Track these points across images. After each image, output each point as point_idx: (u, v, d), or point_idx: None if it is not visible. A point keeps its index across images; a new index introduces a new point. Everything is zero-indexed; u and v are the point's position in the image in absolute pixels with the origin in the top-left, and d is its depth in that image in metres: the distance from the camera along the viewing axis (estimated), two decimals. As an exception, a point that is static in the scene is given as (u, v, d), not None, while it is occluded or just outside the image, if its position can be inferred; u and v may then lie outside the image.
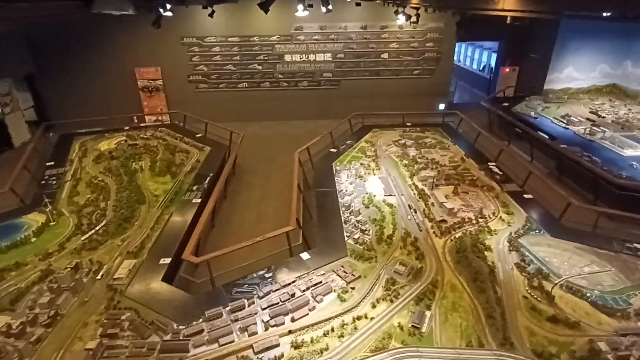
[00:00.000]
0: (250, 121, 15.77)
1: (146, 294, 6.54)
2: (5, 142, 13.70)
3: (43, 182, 10.33)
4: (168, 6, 9.00)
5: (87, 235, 7.98)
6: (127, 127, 13.81)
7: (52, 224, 8.44)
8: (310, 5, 12.85)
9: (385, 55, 16.06)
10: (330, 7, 9.37)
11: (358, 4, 13.69)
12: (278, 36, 15.53)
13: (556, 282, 6.56)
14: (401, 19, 12.15)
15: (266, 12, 8.09)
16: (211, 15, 10.95)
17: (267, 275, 6.83)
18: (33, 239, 7.93)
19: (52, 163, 11.33)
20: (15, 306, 6.19)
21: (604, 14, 7.61)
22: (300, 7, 9.66)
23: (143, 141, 12.58)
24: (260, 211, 10.13)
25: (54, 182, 10.28)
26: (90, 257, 7.33)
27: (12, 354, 5.30)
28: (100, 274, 6.91)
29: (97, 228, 8.22)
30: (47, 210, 8.76)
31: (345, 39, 15.74)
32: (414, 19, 11.45)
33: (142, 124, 14.53)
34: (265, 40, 15.56)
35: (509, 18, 7.10)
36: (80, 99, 15.17)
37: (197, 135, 13.12)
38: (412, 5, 10.06)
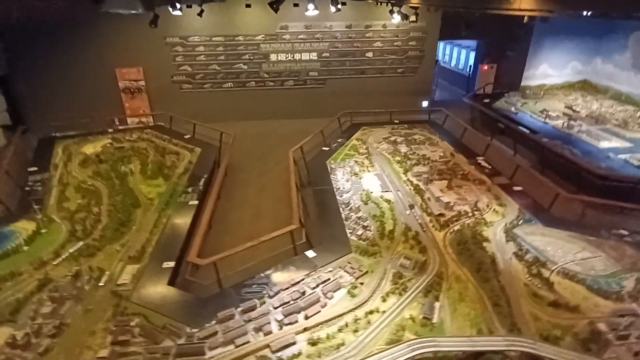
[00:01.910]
0: (237, 121, 15.58)
1: (153, 298, 6.43)
2: (-21, 147, 13.00)
3: (27, 188, 9.88)
4: (178, 5, 8.80)
5: (84, 242, 7.73)
6: (110, 130, 13.40)
7: (43, 231, 8.12)
8: (296, 5, 12.91)
9: (369, 54, 16.24)
10: (339, 6, 9.41)
11: (343, 3, 13.78)
12: (263, 35, 15.42)
13: (553, 269, 6.90)
14: (396, 19, 12.14)
15: (276, 12, 8.09)
16: (200, 14, 10.80)
17: (274, 275, 6.85)
18: (25, 248, 7.60)
19: (35, 168, 10.83)
20: (16, 317, 5.95)
21: (584, 13, 8.03)
22: (310, 6, 9.62)
23: (130, 143, 12.26)
24: (255, 210, 10.07)
25: (40, 188, 9.86)
26: (90, 264, 7.11)
27: (23, 367, 5.12)
28: (103, 280, 6.73)
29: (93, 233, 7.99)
30: (37, 217, 8.43)
31: (330, 38, 15.80)
32: (412, 18, 11.43)
33: (122, 127, 14.09)
34: (251, 39, 15.42)
35: (526, 17, 7.37)
36: (58, 102, 14.51)
37: (186, 136, 12.89)
38: (411, 4, 10.18)
